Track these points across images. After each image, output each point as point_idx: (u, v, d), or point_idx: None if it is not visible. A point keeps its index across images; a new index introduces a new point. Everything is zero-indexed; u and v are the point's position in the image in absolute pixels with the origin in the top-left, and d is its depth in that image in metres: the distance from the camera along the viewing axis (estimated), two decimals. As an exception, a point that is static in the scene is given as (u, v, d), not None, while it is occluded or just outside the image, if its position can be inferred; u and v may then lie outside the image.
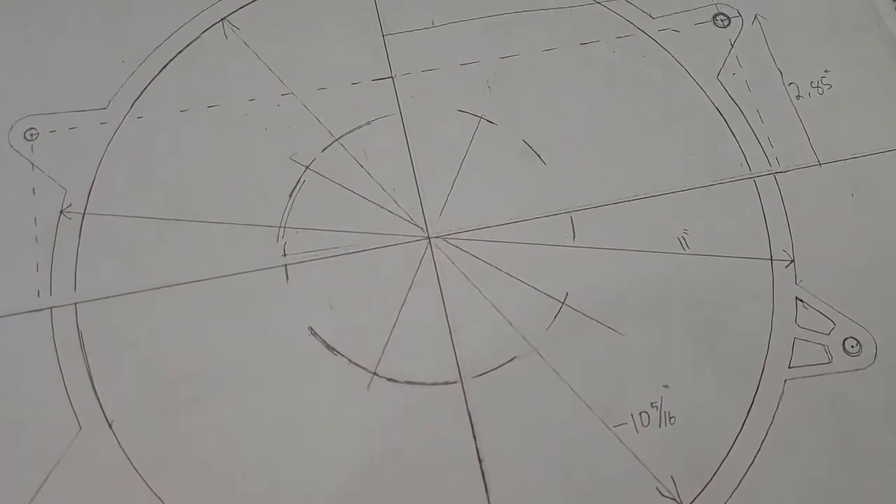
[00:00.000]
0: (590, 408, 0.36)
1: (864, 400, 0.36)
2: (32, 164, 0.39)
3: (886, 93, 0.42)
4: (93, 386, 0.35)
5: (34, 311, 0.36)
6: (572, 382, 0.36)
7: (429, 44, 0.42)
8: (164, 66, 0.41)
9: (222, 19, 0.42)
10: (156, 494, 0.34)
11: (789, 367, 0.37)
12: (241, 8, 0.42)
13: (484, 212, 0.39)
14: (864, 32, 0.43)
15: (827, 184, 0.40)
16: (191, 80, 0.41)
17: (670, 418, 0.36)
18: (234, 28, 0.42)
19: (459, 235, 0.38)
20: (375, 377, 0.36)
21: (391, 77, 0.41)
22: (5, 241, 0.37)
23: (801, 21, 0.43)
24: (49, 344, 0.36)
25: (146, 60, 0.41)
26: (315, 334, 0.36)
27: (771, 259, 0.38)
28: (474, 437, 0.35)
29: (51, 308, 0.36)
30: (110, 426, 0.35)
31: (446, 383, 0.36)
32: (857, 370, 0.36)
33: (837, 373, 0.36)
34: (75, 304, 0.36)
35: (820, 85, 0.42)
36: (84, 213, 0.38)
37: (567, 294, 0.37)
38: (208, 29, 0.42)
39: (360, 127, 0.40)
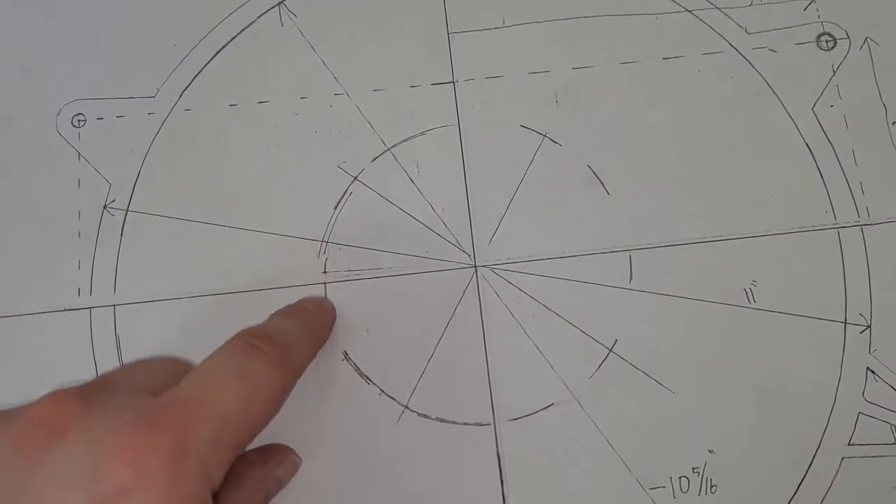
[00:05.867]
0: (626, 466, 0.34)
1: (927, 489, 0.33)
2: (79, 154, 0.38)
3: None
4: (125, 393, 0.35)
5: (74, 309, 0.36)
6: (610, 437, 0.34)
7: (497, 46, 0.39)
8: (217, 53, 0.39)
9: (280, 3, 0.40)
10: None
11: (849, 444, 0.34)
12: (300, -8, 0.40)
13: (537, 242, 0.36)
14: None
15: (921, 243, 0.36)
16: (242, 70, 0.39)
17: (712, 486, 0.34)
18: (292, 14, 0.40)
19: (508, 266, 0.36)
20: (407, 410, 0.35)
21: (453, 82, 0.38)
22: (50, 235, 0.37)
23: (919, 48, 0.38)
24: (87, 344, 0.36)
25: (198, 44, 0.39)
26: (349, 359, 0.35)
27: (845, 322, 0.35)
28: (502, 483, 0.34)
29: (90, 308, 0.36)
30: (141, 434, 0.35)
31: (478, 424, 0.35)
32: (924, 456, 0.34)
33: (902, 456, 0.34)
34: (114, 306, 0.36)
35: (930, 126, 0.37)
36: (127, 209, 0.37)
37: (616, 341, 0.35)
38: (265, 13, 0.40)
39: (414, 137, 0.38)
